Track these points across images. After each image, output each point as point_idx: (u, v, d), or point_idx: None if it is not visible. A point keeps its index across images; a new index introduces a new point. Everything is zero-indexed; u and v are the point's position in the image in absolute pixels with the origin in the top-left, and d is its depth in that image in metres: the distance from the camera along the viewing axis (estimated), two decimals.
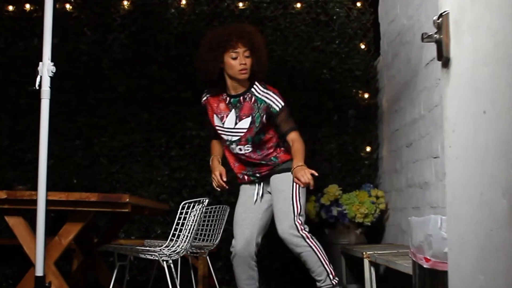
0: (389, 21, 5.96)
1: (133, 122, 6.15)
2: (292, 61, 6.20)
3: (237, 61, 4.01)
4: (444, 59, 2.02)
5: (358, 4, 6.37)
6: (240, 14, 6.30)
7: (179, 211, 3.86)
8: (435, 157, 4.41)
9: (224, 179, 4.04)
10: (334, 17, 6.34)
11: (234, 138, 4.12)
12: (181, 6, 6.29)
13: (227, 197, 5.81)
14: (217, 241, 4.87)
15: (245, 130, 4.08)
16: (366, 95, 6.26)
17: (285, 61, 6.23)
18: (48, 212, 3.41)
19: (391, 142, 5.84)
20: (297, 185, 3.99)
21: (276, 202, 4.09)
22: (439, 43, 2.05)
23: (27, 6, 6.24)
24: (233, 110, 4.11)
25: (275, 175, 4.17)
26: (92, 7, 6.24)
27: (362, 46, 6.34)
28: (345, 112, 6.29)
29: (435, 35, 2.03)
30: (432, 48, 4.54)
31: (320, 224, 5.81)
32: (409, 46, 5.20)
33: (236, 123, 4.09)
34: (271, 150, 4.18)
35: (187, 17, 6.28)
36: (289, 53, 6.25)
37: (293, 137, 4.11)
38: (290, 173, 4.00)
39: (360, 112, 6.27)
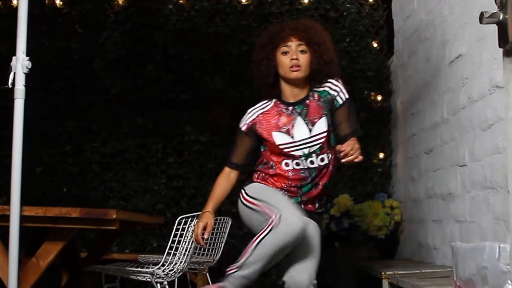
0: (404, 17, 5.52)
1: (128, 126, 5.74)
2: None
3: (288, 56, 3.23)
4: (509, 45, 1.58)
5: None
6: (243, 10, 5.88)
7: (175, 227, 3.42)
8: (461, 166, 3.96)
9: (205, 237, 3.14)
10: (344, 14, 5.93)
11: (314, 148, 3.20)
12: (180, 1, 5.88)
13: (229, 207, 5.35)
14: (217, 256, 4.45)
15: (325, 134, 3.20)
16: (379, 97, 5.83)
17: None
18: (25, 228, 2.98)
19: (407, 148, 5.39)
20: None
21: (301, 247, 3.15)
22: (502, 25, 1.61)
23: (15, 1, 5.81)
24: (298, 117, 3.26)
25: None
26: (84, 3, 5.85)
27: (375, 45, 5.92)
28: (356, 116, 5.79)
29: (499, 13, 1.59)
30: (457, 44, 4.10)
31: (330, 237, 5.37)
32: (428, 43, 4.75)
33: (311, 130, 3.21)
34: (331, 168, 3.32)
35: (186, 13, 5.87)
36: None
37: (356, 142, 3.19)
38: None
39: (372, 116, 5.83)
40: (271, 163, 3.29)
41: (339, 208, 5.24)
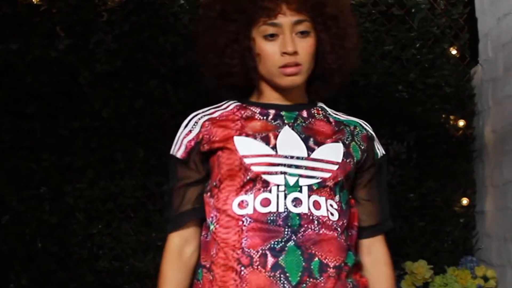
0: (498, 16, 4.17)
1: (123, 161, 4.58)
2: (354, 74, 4.48)
3: (277, 43, 1.82)
4: None
5: None
6: None
7: None
8: None
9: None
10: (413, 11, 4.65)
11: (310, 182, 1.80)
12: None
13: None
14: None
15: (336, 166, 1.84)
16: (461, 123, 4.52)
17: None
18: None
19: (504, 194, 4.01)
20: None
21: None
22: None
23: None
24: (286, 127, 1.86)
25: None
26: None
27: (453, 52, 4.61)
28: (430, 147, 4.59)
29: None
30: None
31: None
32: None
33: (312, 151, 1.84)
34: (353, 250, 1.90)
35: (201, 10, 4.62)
36: None
37: (386, 258, 1.99)
38: None
39: (451, 147, 4.55)
40: (208, 219, 1.87)
41: (414, 280, 3.88)
